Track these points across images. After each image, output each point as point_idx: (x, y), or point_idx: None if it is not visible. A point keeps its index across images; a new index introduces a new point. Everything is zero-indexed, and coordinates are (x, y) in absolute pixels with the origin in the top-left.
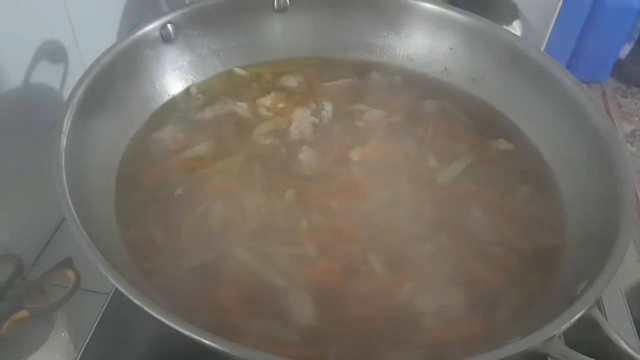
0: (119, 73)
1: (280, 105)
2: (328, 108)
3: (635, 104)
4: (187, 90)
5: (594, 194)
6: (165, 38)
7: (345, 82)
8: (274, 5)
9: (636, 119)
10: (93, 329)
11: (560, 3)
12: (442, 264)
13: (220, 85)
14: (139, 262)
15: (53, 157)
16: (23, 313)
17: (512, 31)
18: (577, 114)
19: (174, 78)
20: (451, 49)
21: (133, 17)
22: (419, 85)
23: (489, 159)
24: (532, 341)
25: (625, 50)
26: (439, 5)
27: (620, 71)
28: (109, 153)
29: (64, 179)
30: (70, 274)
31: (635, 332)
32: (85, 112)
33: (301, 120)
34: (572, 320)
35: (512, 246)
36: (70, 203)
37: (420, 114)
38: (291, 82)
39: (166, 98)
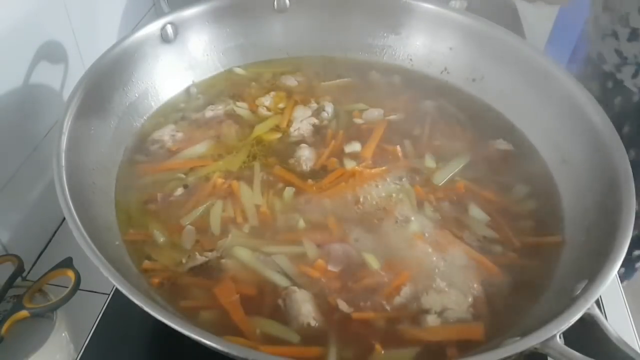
0: (118, 73)
1: (280, 104)
2: (328, 109)
3: None
4: (187, 90)
5: (593, 194)
6: (165, 38)
7: (344, 81)
8: (274, 6)
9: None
10: (93, 329)
11: None
12: (441, 263)
13: (220, 84)
14: (138, 262)
15: (53, 157)
16: (23, 313)
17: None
18: (576, 114)
19: (173, 78)
20: (451, 49)
21: (133, 18)
22: (419, 85)
23: (487, 159)
24: (532, 341)
25: None
26: (439, 5)
27: None
28: (109, 153)
29: (64, 179)
30: (70, 274)
31: (635, 332)
32: (85, 112)
33: (302, 120)
34: (572, 320)
35: (512, 245)
36: (71, 203)
37: (420, 114)
38: (291, 81)
39: (166, 98)
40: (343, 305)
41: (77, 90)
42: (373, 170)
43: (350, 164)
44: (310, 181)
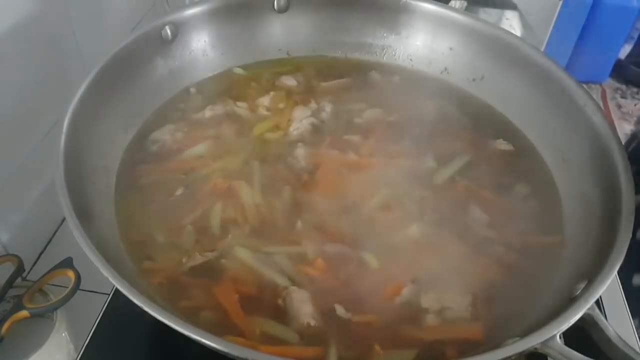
0: (119, 73)
1: (280, 105)
2: (328, 109)
3: (635, 104)
4: (186, 90)
5: (593, 195)
6: (165, 38)
7: (344, 81)
8: (274, 6)
9: (636, 119)
10: (93, 329)
11: (560, 3)
12: (440, 263)
13: (219, 85)
14: (139, 262)
15: (53, 157)
16: (23, 313)
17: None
18: (577, 114)
19: (173, 78)
20: (451, 49)
21: (133, 18)
22: (419, 85)
23: (488, 159)
24: (532, 341)
25: (625, 50)
26: (439, 5)
27: (620, 71)
28: (109, 153)
29: (64, 179)
30: (70, 274)
31: (635, 332)
32: (85, 112)
33: (301, 120)
34: (572, 320)
35: (512, 245)
36: (70, 203)
37: (420, 114)
38: (290, 81)
39: (166, 98)
40: (341, 311)
41: (77, 90)
42: (373, 173)
43: (351, 168)
44: (309, 179)
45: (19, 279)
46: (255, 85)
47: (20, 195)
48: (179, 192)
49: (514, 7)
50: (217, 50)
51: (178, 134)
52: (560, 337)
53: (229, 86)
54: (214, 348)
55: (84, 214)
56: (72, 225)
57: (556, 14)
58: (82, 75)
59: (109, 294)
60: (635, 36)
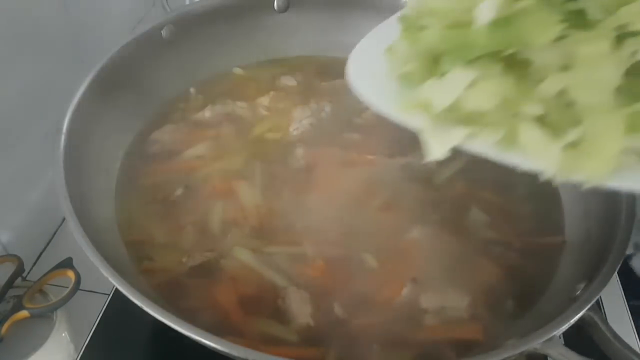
0: (119, 73)
1: (280, 104)
2: (328, 109)
3: None
4: (186, 90)
5: (594, 195)
6: (166, 38)
7: (344, 81)
8: (274, 6)
9: None
10: (93, 329)
11: None
12: (440, 263)
13: (219, 85)
14: (139, 262)
15: (53, 157)
16: (23, 313)
17: None
18: None
19: (173, 78)
20: None
21: (133, 18)
22: None
23: (487, 159)
24: (532, 341)
25: None
26: None
27: None
28: (109, 153)
29: (64, 179)
30: (70, 274)
31: (635, 332)
32: (85, 113)
33: (301, 120)
34: (572, 320)
35: (512, 246)
36: (70, 203)
37: None
38: (290, 81)
39: (166, 98)
40: (340, 311)
41: (77, 91)
42: (373, 173)
43: (351, 167)
44: (309, 179)
45: (19, 279)
46: (255, 85)
47: (20, 195)
48: (179, 192)
49: None
50: (217, 50)
51: (178, 134)
52: (560, 337)
53: (229, 86)
54: (214, 348)
55: (84, 215)
56: (72, 225)
57: None
58: (82, 75)
59: (109, 294)
60: None
